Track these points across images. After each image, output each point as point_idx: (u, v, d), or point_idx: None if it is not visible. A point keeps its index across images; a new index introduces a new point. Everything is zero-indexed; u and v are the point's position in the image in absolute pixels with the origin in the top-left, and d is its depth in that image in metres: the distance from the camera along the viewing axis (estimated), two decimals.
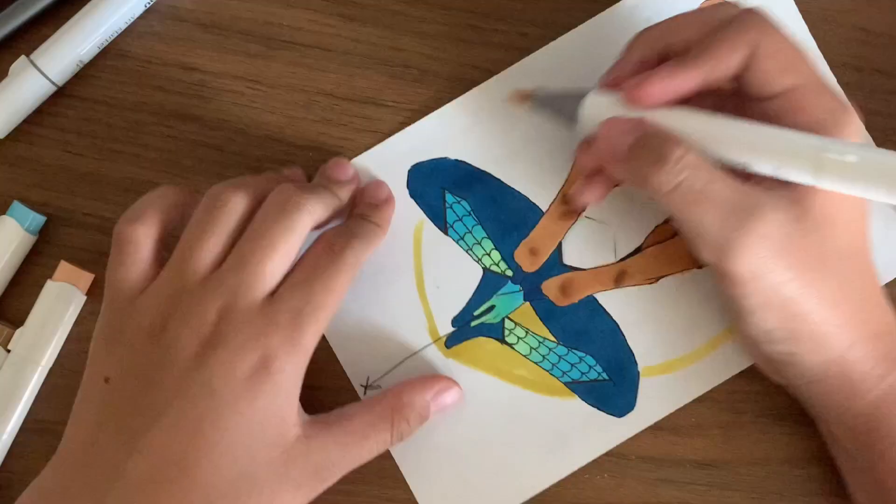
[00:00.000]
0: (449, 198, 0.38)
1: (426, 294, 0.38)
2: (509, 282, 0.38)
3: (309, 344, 0.32)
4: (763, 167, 0.31)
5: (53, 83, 0.37)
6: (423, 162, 0.38)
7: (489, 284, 0.38)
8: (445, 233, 0.38)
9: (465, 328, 0.37)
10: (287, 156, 0.38)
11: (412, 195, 0.38)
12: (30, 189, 0.38)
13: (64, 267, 0.37)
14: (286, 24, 0.39)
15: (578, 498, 0.37)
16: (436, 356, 0.37)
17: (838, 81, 0.39)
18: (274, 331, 0.31)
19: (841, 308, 0.32)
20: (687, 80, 0.31)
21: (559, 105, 0.35)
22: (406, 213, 0.38)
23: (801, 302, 0.31)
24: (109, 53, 0.39)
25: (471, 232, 0.38)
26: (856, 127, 0.31)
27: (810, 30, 0.39)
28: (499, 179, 0.38)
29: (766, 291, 0.31)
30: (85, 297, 0.37)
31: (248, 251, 0.32)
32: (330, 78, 0.39)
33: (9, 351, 0.37)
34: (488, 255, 0.38)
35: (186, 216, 0.34)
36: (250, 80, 0.39)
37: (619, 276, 0.38)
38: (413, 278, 0.38)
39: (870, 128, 0.39)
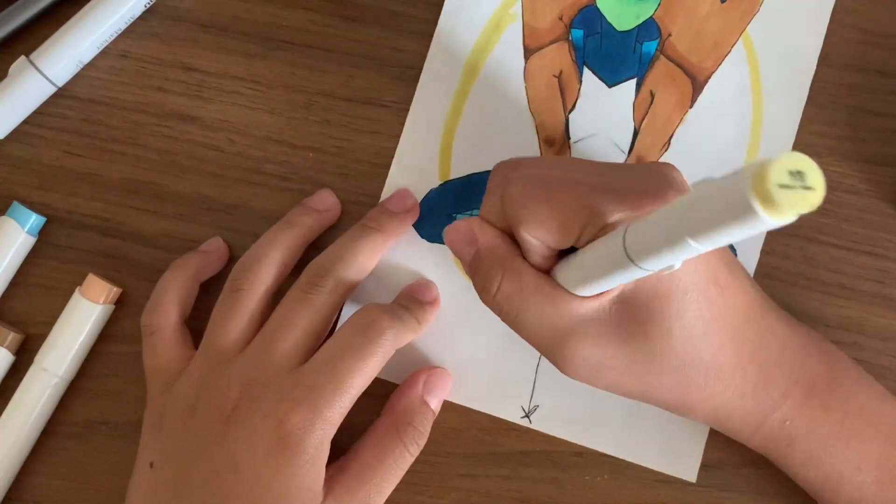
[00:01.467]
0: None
1: None
2: None
3: (332, 422, 0.32)
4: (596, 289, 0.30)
5: (53, 84, 0.37)
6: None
7: None
8: None
9: None
10: (287, 156, 0.38)
11: (428, 239, 0.38)
12: (29, 189, 0.38)
13: (91, 280, 0.37)
14: (286, 25, 0.39)
15: (579, 499, 0.37)
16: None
17: (838, 82, 0.39)
18: (293, 406, 0.31)
19: (690, 385, 0.31)
20: (539, 266, 0.31)
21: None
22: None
23: (641, 395, 0.32)
24: (109, 53, 0.39)
25: None
26: (659, 190, 0.29)
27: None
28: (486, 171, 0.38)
29: (610, 388, 0.32)
30: (112, 308, 0.37)
31: (269, 332, 0.33)
32: (330, 78, 0.39)
33: (14, 355, 0.37)
34: None
35: (210, 273, 0.37)
36: (250, 80, 0.39)
37: None
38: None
39: (870, 128, 0.38)
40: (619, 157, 0.38)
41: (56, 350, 0.36)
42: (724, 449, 0.37)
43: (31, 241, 0.37)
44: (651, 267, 0.25)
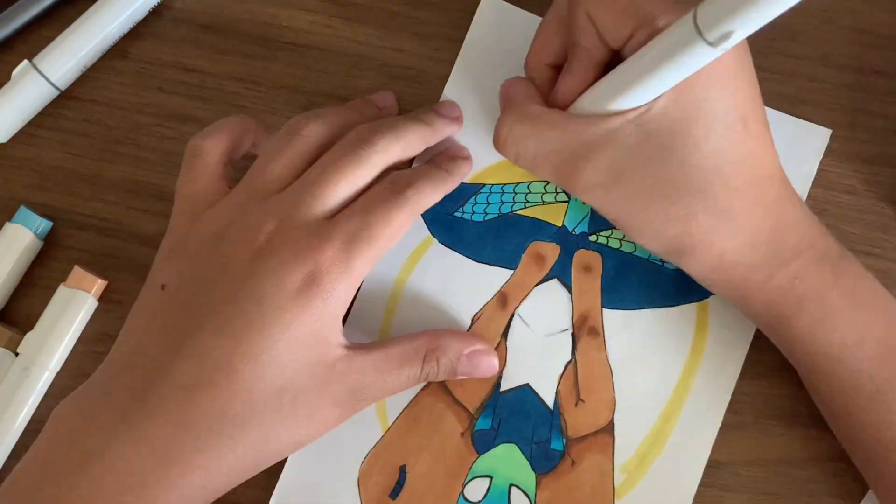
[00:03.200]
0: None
1: None
2: None
3: (360, 269, 0.32)
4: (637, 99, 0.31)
5: (56, 87, 0.37)
6: None
7: None
8: None
9: None
10: None
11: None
12: (29, 190, 0.38)
13: (77, 272, 0.37)
14: (286, 25, 0.39)
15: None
16: None
17: (838, 82, 0.39)
18: (326, 249, 0.31)
19: (699, 221, 0.32)
20: (579, 82, 0.33)
21: None
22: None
23: (648, 222, 0.33)
24: (110, 54, 0.39)
25: None
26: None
27: (810, 30, 0.39)
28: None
29: (616, 210, 0.33)
30: (97, 303, 0.37)
31: (314, 174, 0.33)
32: (330, 79, 0.39)
33: (17, 354, 0.37)
34: None
35: (257, 146, 0.36)
36: (250, 81, 0.39)
37: None
38: None
39: (870, 128, 0.39)
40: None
41: (39, 341, 0.36)
42: (724, 449, 0.37)
43: (39, 245, 0.37)
44: (722, 42, 0.26)
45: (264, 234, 0.32)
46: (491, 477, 0.36)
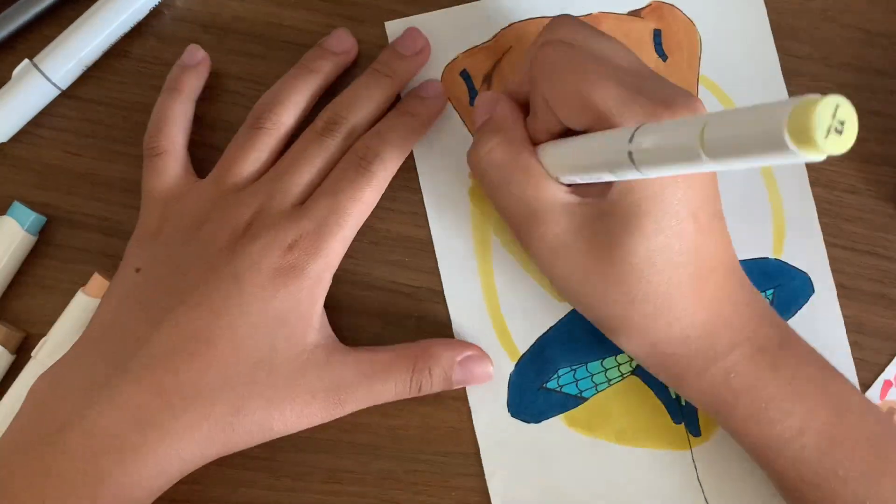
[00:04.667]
0: None
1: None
2: None
3: (334, 250, 0.34)
4: (585, 178, 0.31)
5: (57, 87, 0.37)
6: None
7: None
8: None
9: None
10: None
11: (532, 420, 0.37)
12: (29, 189, 0.38)
13: (97, 280, 0.37)
14: (286, 25, 0.39)
15: None
16: None
17: (839, 82, 0.39)
18: (299, 234, 0.33)
19: (635, 307, 0.31)
20: (540, 137, 0.33)
21: None
22: None
23: (585, 297, 0.32)
24: (110, 53, 0.39)
25: None
26: (682, 106, 0.29)
27: (810, 30, 0.39)
28: None
29: (560, 278, 0.32)
30: None
31: (285, 165, 0.35)
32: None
33: (14, 353, 0.36)
34: None
35: (201, 88, 0.38)
36: (250, 80, 0.39)
37: None
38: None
39: (870, 128, 0.39)
40: None
41: (56, 345, 0.36)
42: None
43: (32, 240, 0.37)
44: (648, 172, 0.25)
45: (242, 222, 0.34)
46: None
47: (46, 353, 0.36)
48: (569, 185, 0.32)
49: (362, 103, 0.36)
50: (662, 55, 0.38)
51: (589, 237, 0.31)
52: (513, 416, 0.37)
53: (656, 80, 0.31)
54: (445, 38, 0.38)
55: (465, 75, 0.38)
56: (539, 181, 0.32)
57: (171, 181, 0.36)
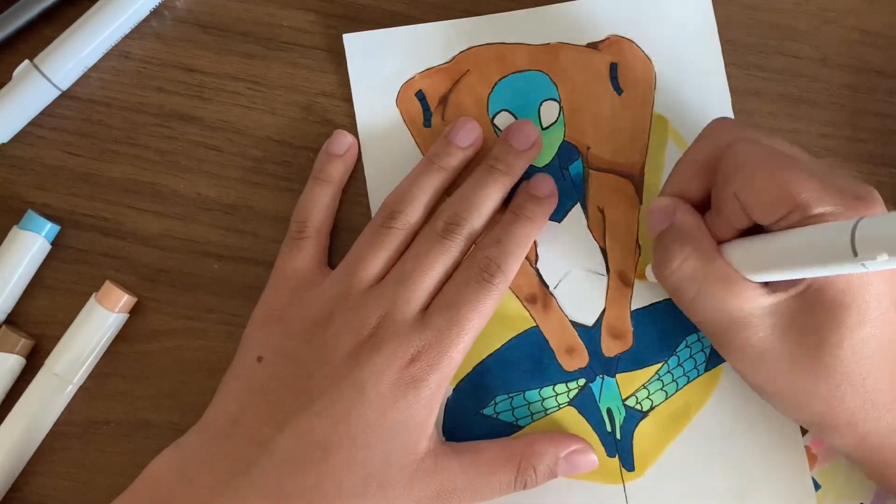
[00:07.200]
0: None
1: None
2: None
3: (454, 360, 0.34)
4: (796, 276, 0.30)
5: (57, 88, 0.37)
6: None
7: None
8: None
9: None
10: (287, 156, 0.38)
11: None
12: (30, 189, 0.38)
13: (108, 287, 0.36)
14: (286, 25, 0.39)
15: None
16: None
17: (838, 82, 0.39)
18: (422, 345, 0.33)
19: (845, 402, 0.31)
20: (722, 234, 0.33)
21: None
22: None
23: (793, 395, 0.32)
24: (110, 54, 0.39)
25: None
26: (874, 201, 0.30)
27: (810, 30, 0.39)
28: None
29: (763, 384, 0.33)
30: (126, 317, 0.37)
31: (409, 268, 0.35)
32: (330, 79, 0.39)
33: (26, 358, 0.36)
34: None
35: (347, 176, 0.38)
36: (250, 81, 0.39)
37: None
38: None
39: (870, 128, 0.39)
40: (601, 282, 0.37)
41: (69, 356, 0.36)
42: None
43: (47, 248, 0.37)
44: (873, 265, 0.25)
45: (369, 328, 0.34)
46: None
47: (63, 367, 0.36)
48: (762, 284, 0.31)
49: (482, 203, 0.36)
50: (618, 89, 0.38)
51: (796, 336, 0.31)
52: (448, 440, 0.36)
53: (836, 172, 0.31)
54: (403, 55, 0.38)
55: (421, 96, 0.38)
56: (740, 289, 0.31)
57: (306, 266, 0.36)
